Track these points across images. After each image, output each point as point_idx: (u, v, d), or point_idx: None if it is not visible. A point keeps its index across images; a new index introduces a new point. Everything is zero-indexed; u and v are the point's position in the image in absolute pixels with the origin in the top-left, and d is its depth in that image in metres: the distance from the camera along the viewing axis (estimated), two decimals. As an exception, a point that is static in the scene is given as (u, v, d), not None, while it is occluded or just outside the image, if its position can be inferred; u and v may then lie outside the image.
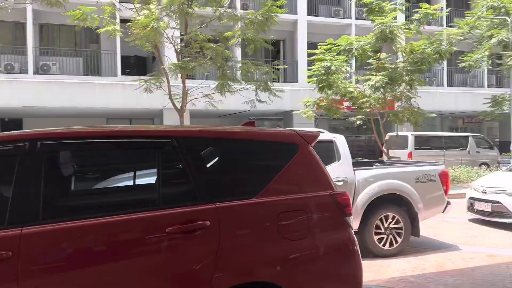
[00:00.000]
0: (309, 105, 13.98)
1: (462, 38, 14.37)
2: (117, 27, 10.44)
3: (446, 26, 18.89)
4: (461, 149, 17.49)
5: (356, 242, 2.95)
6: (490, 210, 7.91)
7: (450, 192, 11.43)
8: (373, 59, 13.32)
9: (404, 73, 12.80)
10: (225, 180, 2.76)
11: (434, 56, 12.48)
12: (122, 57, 17.48)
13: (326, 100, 13.62)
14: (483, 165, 16.67)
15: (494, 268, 5.38)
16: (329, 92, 13.08)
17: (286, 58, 21.62)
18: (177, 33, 11.16)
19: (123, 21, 11.58)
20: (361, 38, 13.28)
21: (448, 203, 6.59)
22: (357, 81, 15.04)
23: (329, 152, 5.71)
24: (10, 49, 17.03)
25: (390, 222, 6.03)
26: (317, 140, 3.14)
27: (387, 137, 14.55)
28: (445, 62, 19.58)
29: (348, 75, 14.83)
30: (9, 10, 9.52)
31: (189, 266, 2.46)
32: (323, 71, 12.62)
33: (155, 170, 2.62)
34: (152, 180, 2.62)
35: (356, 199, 5.82)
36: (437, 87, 22.38)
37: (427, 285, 4.80)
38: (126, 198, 2.61)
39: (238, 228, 2.63)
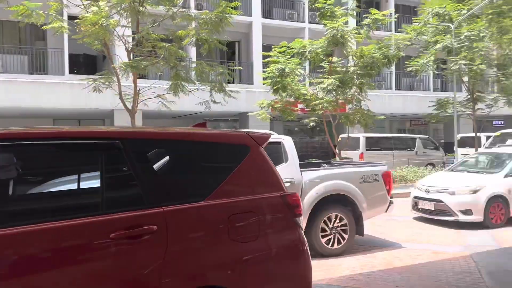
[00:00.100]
0: (264, 106, 14.07)
1: (409, 43, 15.00)
2: (64, 24, 10.01)
3: (395, 32, 19.67)
4: (409, 150, 18.28)
5: (306, 242, 2.99)
6: (433, 208, 8.25)
7: (398, 191, 11.97)
8: (325, 63, 13.61)
9: (355, 76, 13.19)
10: (173, 183, 2.70)
11: (383, 60, 12.93)
12: (71, 55, 16.80)
13: (281, 102, 13.77)
14: (429, 165, 17.50)
15: (438, 264, 5.63)
16: (284, 94, 13.24)
17: (241, 59, 21.65)
18: (128, 32, 10.86)
19: (72, 18, 11.14)
20: (314, 41, 13.53)
21: (391, 202, 6.77)
22: (311, 84, 15.31)
23: (277, 154, 5.72)
24: None
25: (336, 222, 6.13)
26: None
27: (339, 139, 14.92)
28: (393, 67, 20.35)
29: (302, 77, 15.06)
30: None
31: (136, 272, 2.39)
32: (277, 74, 12.75)
33: (98, 173, 2.50)
34: (95, 183, 2.51)
35: (303, 200, 5.88)
36: (386, 90, 23.26)
37: (376, 282, 4.94)
38: (66, 203, 2.48)
39: (187, 232, 2.57)
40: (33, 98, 15.27)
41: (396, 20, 17.39)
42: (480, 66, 14.41)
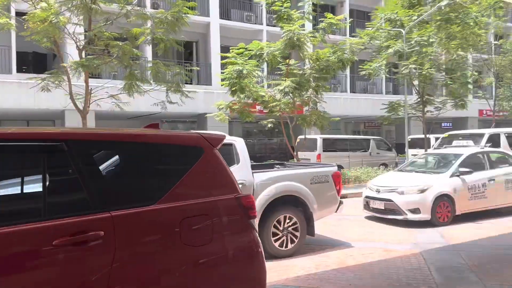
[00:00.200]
0: (222, 108, 14.01)
1: (363, 47, 15.43)
2: (12, 20, 9.52)
3: (349, 36, 20.18)
4: (363, 151, 18.84)
5: (260, 244, 2.97)
6: (383, 208, 8.50)
7: (352, 191, 12.28)
8: (282, 65, 13.75)
9: (311, 79, 13.41)
10: (122, 186, 2.60)
11: (338, 64, 13.25)
12: (18, 53, 16.03)
13: (239, 104, 13.77)
14: (382, 166, 18.10)
15: (390, 262, 5.80)
16: (242, 95, 13.26)
17: (199, 60, 21.46)
18: (80, 30, 10.47)
19: (20, 14, 10.62)
20: (272, 44, 13.64)
21: (341, 202, 6.88)
22: (269, 86, 15.42)
23: (228, 155, 5.67)
24: None
25: (287, 223, 6.14)
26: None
27: (298, 140, 15.12)
28: (348, 70, 20.92)
29: (260, 79, 15.14)
30: None
31: (82, 279, 2.28)
32: (235, 75, 12.74)
33: (40, 176, 2.36)
34: (36, 188, 2.37)
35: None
36: (341, 93, 23.87)
37: (331, 281, 5.02)
38: (5, 209, 2.31)
39: (137, 237, 2.48)
40: (-23, 97, 14.42)
41: (350, 24, 17.87)
42: (429, 70, 15.01)
